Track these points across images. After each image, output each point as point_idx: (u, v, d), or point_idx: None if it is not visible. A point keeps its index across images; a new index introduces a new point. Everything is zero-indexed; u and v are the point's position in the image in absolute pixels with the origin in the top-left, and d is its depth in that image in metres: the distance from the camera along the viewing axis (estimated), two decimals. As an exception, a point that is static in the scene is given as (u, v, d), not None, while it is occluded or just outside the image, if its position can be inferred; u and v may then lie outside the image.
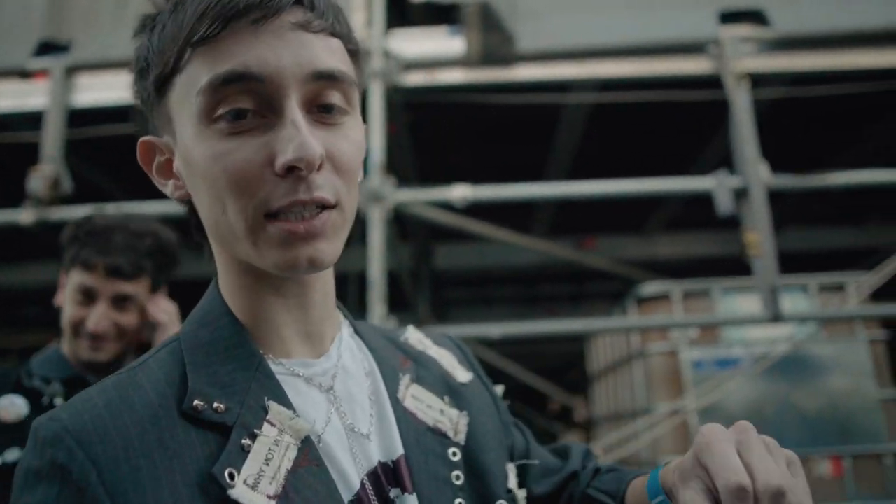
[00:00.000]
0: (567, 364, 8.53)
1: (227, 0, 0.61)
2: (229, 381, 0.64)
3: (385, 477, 0.70)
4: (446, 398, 0.81)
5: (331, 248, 0.64)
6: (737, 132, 3.18)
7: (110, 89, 3.36)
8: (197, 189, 0.66)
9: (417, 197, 3.30)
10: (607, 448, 4.22)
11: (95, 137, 3.39)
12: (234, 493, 0.58)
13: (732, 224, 3.69)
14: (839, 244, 6.10)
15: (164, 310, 1.53)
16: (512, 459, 0.84)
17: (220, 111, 0.62)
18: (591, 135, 4.07)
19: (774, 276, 3.44)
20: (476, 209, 3.42)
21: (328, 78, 0.64)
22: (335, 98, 0.65)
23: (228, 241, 0.65)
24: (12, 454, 1.32)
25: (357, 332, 0.79)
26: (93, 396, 0.62)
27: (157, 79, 0.66)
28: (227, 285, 0.70)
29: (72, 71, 3.40)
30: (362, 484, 0.67)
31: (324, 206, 0.63)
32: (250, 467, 0.60)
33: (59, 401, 1.41)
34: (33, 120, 3.34)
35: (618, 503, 0.85)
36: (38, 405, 1.40)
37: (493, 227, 3.78)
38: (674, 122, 3.88)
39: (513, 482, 0.82)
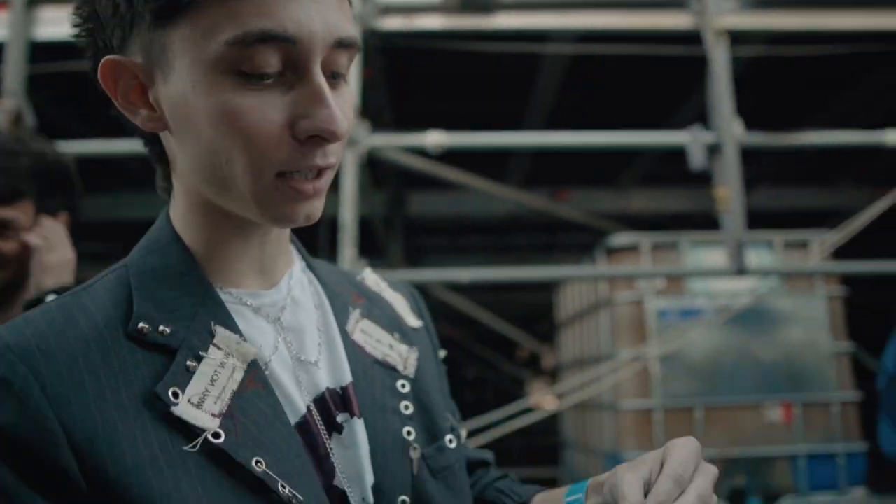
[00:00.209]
0: (537, 313, 8.67)
1: None
2: (176, 307, 0.64)
3: (332, 402, 0.71)
4: (396, 335, 0.82)
5: (322, 204, 0.66)
6: (713, 89, 3.22)
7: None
8: (189, 133, 0.62)
9: (391, 142, 3.31)
10: (570, 391, 4.36)
11: (59, 73, 3.29)
12: (177, 410, 0.58)
13: (705, 180, 3.76)
14: (807, 205, 6.23)
15: (39, 233, 1.35)
16: None
17: (245, 68, 0.58)
18: (568, 87, 4.09)
19: (741, 231, 3.54)
20: (451, 157, 3.43)
21: (348, 46, 0.62)
22: (345, 64, 0.64)
23: (217, 188, 0.64)
24: None
25: (310, 266, 0.80)
26: (35, 317, 0.61)
27: (161, 8, 0.59)
28: (183, 218, 0.69)
29: (33, 2, 3.29)
30: (308, 409, 0.69)
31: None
32: (195, 387, 0.60)
33: None
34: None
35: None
36: None
37: (467, 176, 3.80)
38: (652, 76, 3.92)
39: (456, 421, 0.84)
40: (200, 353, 0.62)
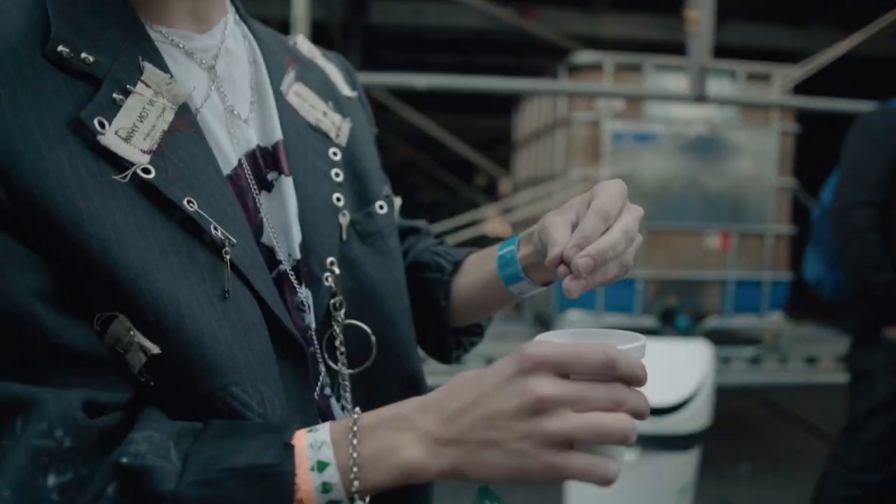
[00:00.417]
0: (497, 138, 8.65)
1: None
2: (99, 36, 0.60)
3: (263, 159, 0.70)
4: (330, 103, 0.80)
5: None
6: None
7: None
8: None
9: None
10: (520, 206, 4.46)
11: None
12: (104, 139, 0.56)
13: (676, 8, 3.65)
14: (776, 43, 6.16)
15: None
16: None
17: None
18: None
19: (706, 56, 3.50)
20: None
21: None
22: None
23: None
24: None
25: (244, 19, 0.77)
26: None
27: None
28: None
29: None
30: (240, 163, 0.68)
31: None
32: (122, 120, 0.58)
33: None
34: None
35: (453, 267, 0.89)
36: None
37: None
38: None
39: (389, 190, 0.84)
40: (128, 86, 0.59)
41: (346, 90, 0.85)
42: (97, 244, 0.54)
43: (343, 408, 0.73)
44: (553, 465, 0.51)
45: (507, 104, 6.22)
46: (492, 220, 7.82)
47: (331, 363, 0.73)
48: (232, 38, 0.72)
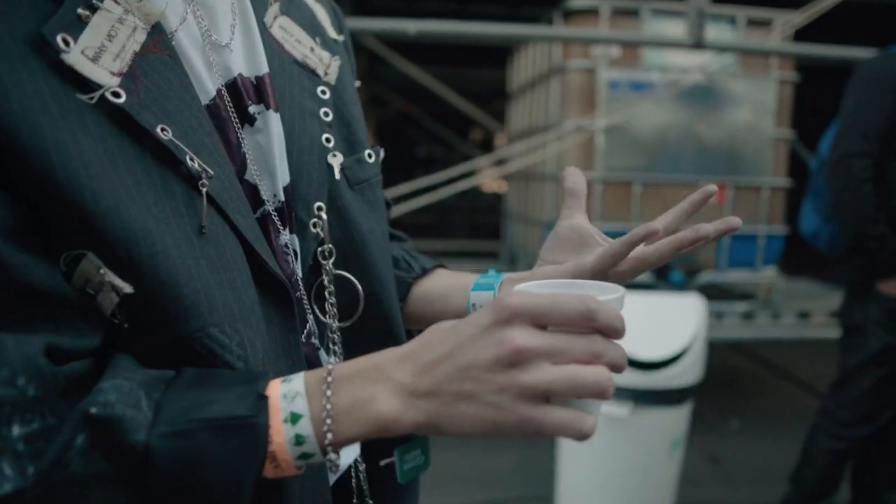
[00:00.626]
0: (493, 91, 8.51)
1: None
2: None
3: (246, 91, 0.65)
4: (318, 39, 0.76)
5: None
6: None
7: None
8: None
9: None
10: (514, 157, 4.37)
11: None
12: (69, 58, 0.52)
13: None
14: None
15: None
16: None
17: None
18: None
19: (705, 2, 3.39)
20: None
21: None
22: None
23: None
24: None
25: None
26: None
27: None
28: None
29: None
30: (219, 92, 0.63)
31: None
32: (89, 39, 0.53)
33: None
34: None
35: (420, 271, 0.87)
36: None
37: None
38: None
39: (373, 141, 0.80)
40: (94, 1, 0.54)
41: (332, 33, 0.80)
42: (63, 174, 0.50)
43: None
44: (529, 419, 0.49)
45: (503, 55, 6.08)
46: (486, 174, 7.73)
47: (319, 313, 0.70)
48: None
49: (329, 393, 0.52)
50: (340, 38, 0.82)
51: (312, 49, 0.74)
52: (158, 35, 0.58)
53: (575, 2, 3.90)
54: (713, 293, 3.75)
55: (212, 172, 0.57)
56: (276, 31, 0.71)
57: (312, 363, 0.68)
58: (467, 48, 7.71)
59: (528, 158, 4.04)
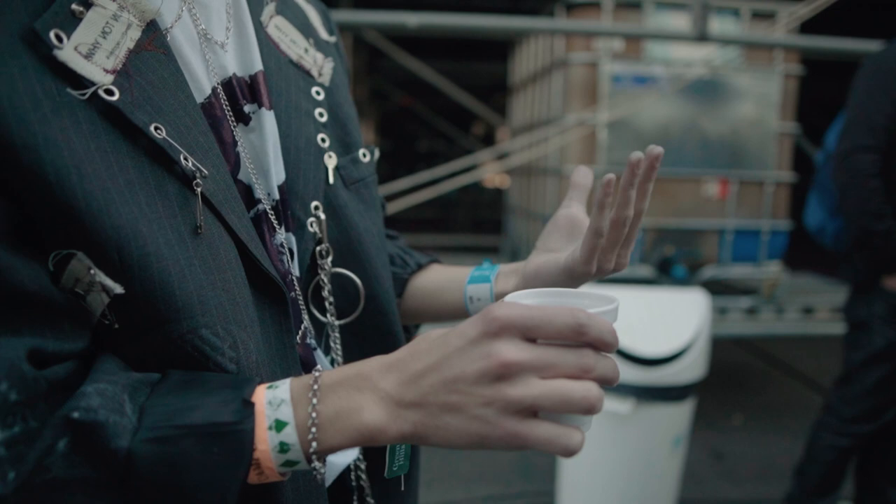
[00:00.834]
0: (494, 85, 8.47)
1: None
2: None
3: (240, 90, 0.65)
4: (311, 40, 0.76)
5: None
6: None
7: None
8: None
9: None
10: (516, 151, 4.34)
11: None
12: (62, 55, 0.51)
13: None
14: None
15: None
16: None
17: None
18: None
19: (709, -7, 3.35)
20: None
21: None
22: None
23: None
24: None
25: None
26: None
27: None
28: None
29: None
30: (214, 90, 0.62)
31: None
32: (83, 35, 0.53)
33: None
34: None
35: (416, 267, 0.87)
36: None
37: None
38: None
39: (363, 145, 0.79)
40: None
41: (324, 34, 0.81)
42: (53, 173, 0.49)
43: (333, 361, 0.70)
44: (515, 434, 0.48)
45: (505, 49, 6.05)
46: (488, 169, 7.71)
47: (316, 313, 0.70)
48: None
49: (315, 401, 0.52)
50: (332, 39, 0.82)
51: (307, 50, 0.74)
52: (153, 32, 0.57)
53: (578, -6, 3.87)
54: (716, 288, 3.72)
55: (206, 172, 0.57)
56: (271, 31, 0.71)
57: (307, 364, 0.67)
58: (469, 42, 7.68)
59: (530, 153, 4.01)
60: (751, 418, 4.00)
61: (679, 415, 2.58)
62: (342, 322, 0.71)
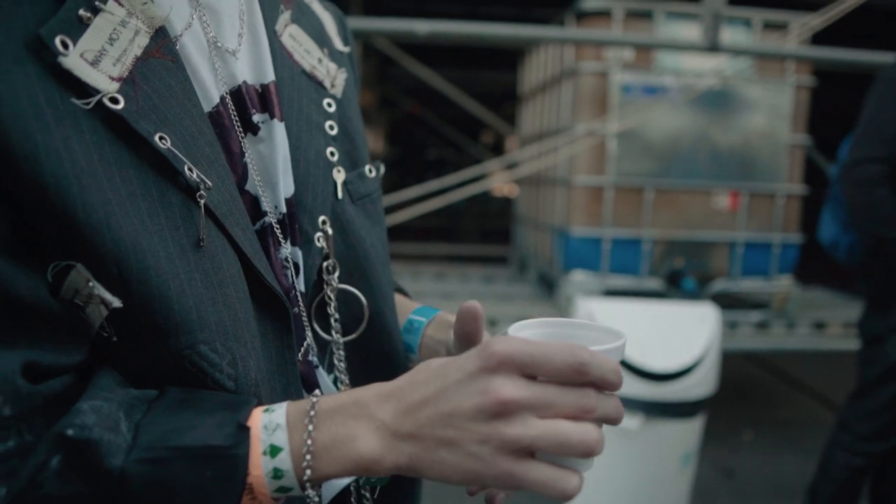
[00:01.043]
0: (503, 94, 8.45)
1: None
2: None
3: (249, 98, 0.63)
4: (325, 50, 0.75)
5: None
6: None
7: None
8: None
9: None
10: (525, 161, 4.31)
11: None
12: (67, 62, 0.50)
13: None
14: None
15: None
16: None
17: None
18: None
19: (720, 4, 3.32)
20: None
21: None
22: None
23: None
24: None
25: None
26: None
27: None
28: None
29: None
30: (222, 99, 0.61)
31: None
32: (89, 42, 0.51)
33: None
34: None
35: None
36: None
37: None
38: None
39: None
40: (97, 3, 0.53)
41: (339, 44, 0.80)
42: (54, 183, 0.48)
43: (336, 379, 0.69)
44: (510, 474, 0.47)
45: (514, 57, 6.03)
46: (497, 177, 7.69)
47: (319, 330, 0.69)
48: None
49: (311, 427, 0.51)
50: (346, 49, 0.80)
51: (320, 60, 0.73)
52: (162, 39, 0.56)
53: (587, 3, 3.84)
54: (727, 302, 3.67)
55: (210, 184, 0.56)
56: (286, 40, 0.70)
57: (308, 381, 0.66)
58: (478, 50, 7.67)
59: (539, 163, 3.98)
60: (762, 435, 3.93)
61: (689, 431, 2.53)
62: (346, 339, 0.70)
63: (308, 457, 0.50)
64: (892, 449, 2.35)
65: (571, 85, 4.01)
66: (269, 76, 0.66)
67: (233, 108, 0.62)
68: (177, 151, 0.54)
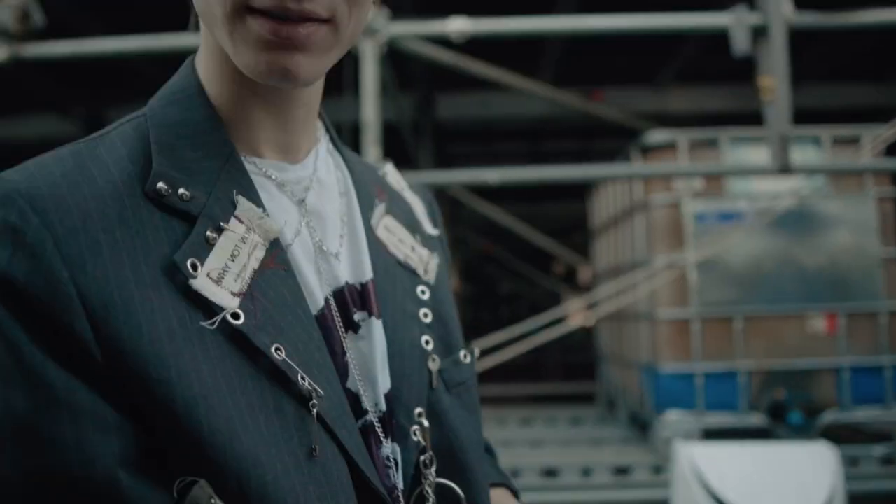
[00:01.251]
0: (572, 225, 8.50)
1: None
2: (197, 169, 0.58)
3: (351, 298, 0.65)
4: (417, 237, 0.76)
5: (312, 64, 0.57)
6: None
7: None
8: None
9: (412, 30, 3.09)
10: (605, 299, 4.22)
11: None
12: (196, 283, 0.53)
13: (747, 76, 3.47)
14: (858, 102, 5.86)
15: None
16: None
17: None
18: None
19: (787, 124, 3.28)
20: (477, 51, 3.21)
21: None
22: None
23: (209, 22, 0.59)
24: None
25: (337, 148, 0.73)
26: (47, 162, 0.55)
27: None
28: (206, 69, 0.63)
29: None
30: (326, 302, 0.63)
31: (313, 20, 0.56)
32: (214, 261, 0.55)
33: None
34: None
35: None
36: None
37: (496, 71, 3.57)
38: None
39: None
40: (221, 223, 0.56)
41: (429, 227, 0.81)
42: (183, 405, 0.50)
43: None
44: None
45: (581, 188, 6.09)
46: (574, 309, 7.57)
47: None
48: (324, 168, 0.69)
49: None
50: (436, 232, 0.81)
51: (413, 248, 0.74)
52: (276, 250, 0.59)
53: (651, 138, 3.88)
54: (841, 436, 3.38)
55: (321, 392, 0.57)
56: (381, 233, 0.71)
57: None
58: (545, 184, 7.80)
59: (619, 301, 3.89)
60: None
61: None
62: None
63: None
64: None
65: (644, 217, 3.98)
66: (368, 274, 0.67)
67: (336, 309, 0.63)
68: (291, 362, 0.55)
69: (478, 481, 0.70)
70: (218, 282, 0.55)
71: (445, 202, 7.74)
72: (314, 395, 0.56)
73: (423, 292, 0.73)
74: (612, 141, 6.22)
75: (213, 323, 0.53)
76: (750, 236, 3.74)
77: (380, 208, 0.73)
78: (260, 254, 0.58)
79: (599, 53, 4.34)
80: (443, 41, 3.10)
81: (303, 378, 0.56)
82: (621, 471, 3.44)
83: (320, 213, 0.66)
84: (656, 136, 3.88)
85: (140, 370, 0.50)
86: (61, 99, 5.60)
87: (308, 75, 0.57)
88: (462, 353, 0.74)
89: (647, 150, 3.95)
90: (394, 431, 0.65)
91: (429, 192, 0.88)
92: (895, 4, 3.69)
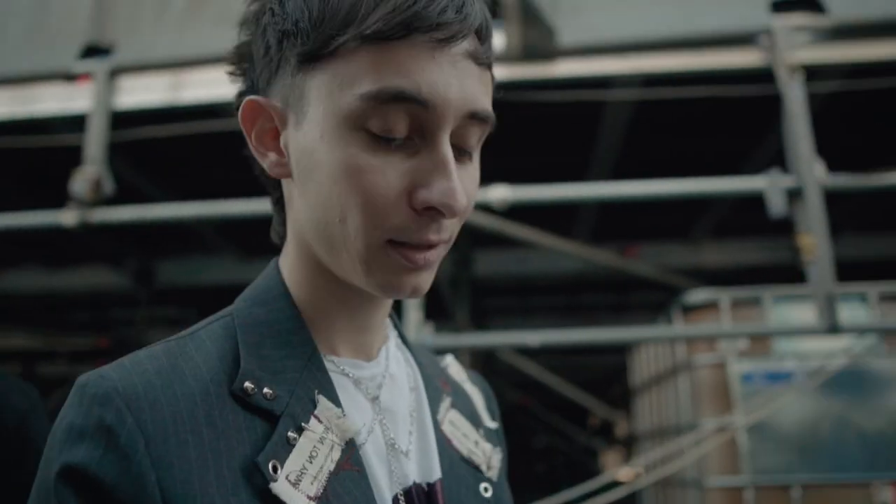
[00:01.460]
0: (609, 377, 8.31)
1: (421, 7, 0.56)
2: (280, 368, 0.61)
3: (418, 498, 0.66)
4: (480, 430, 0.79)
5: (431, 277, 0.63)
6: (790, 128, 2.97)
7: (151, 91, 3.34)
8: (311, 183, 0.61)
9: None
10: (650, 466, 4.02)
11: (137, 140, 3.38)
12: (276, 487, 0.55)
13: (783, 230, 3.47)
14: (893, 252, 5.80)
15: None
16: None
17: (373, 126, 0.57)
18: (634, 134, 3.90)
19: (831, 283, 3.22)
20: (517, 213, 3.28)
21: (481, 119, 0.60)
22: (475, 139, 0.62)
23: (327, 246, 0.62)
24: None
25: (405, 343, 0.77)
26: (142, 360, 0.58)
27: (305, 53, 0.59)
28: (292, 272, 0.67)
29: (115, 73, 3.37)
30: (395, 500, 0.64)
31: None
32: (294, 462, 0.57)
33: None
34: (77, 122, 3.32)
35: None
36: None
37: (534, 232, 3.63)
38: (722, 119, 3.69)
39: None
40: (302, 423, 0.59)
41: (487, 420, 0.83)
42: None
43: None
44: None
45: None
46: (613, 466, 7.24)
47: None
48: (395, 364, 0.72)
49: None
50: (495, 425, 0.83)
51: (477, 443, 0.76)
52: (351, 450, 0.61)
53: (692, 297, 3.83)
54: None
55: None
56: (446, 428, 0.73)
57: None
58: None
59: (666, 469, 3.70)
60: None
61: None
62: None
63: None
64: None
65: (688, 378, 3.86)
66: (436, 474, 0.68)
67: None
68: None
69: None
70: (296, 484, 0.56)
71: (480, 355, 7.67)
72: None
73: (485, 490, 0.73)
74: (649, 293, 6.19)
75: None
76: (802, 398, 3.59)
77: (445, 402, 0.75)
78: (336, 455, 0.59)
79: (634, 210, 4.40)
80: (483, 207, 3.17)
81: None
82: None
83: (392, 410, 0.68)
84: (697, 294, 3.84)
85: None
86: (114, 252, 5.81)
87: (428, 286, 0.63)
88: None
89: (687, 309, 3.90)
90: None
91: (485, 383, 0.88)
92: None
